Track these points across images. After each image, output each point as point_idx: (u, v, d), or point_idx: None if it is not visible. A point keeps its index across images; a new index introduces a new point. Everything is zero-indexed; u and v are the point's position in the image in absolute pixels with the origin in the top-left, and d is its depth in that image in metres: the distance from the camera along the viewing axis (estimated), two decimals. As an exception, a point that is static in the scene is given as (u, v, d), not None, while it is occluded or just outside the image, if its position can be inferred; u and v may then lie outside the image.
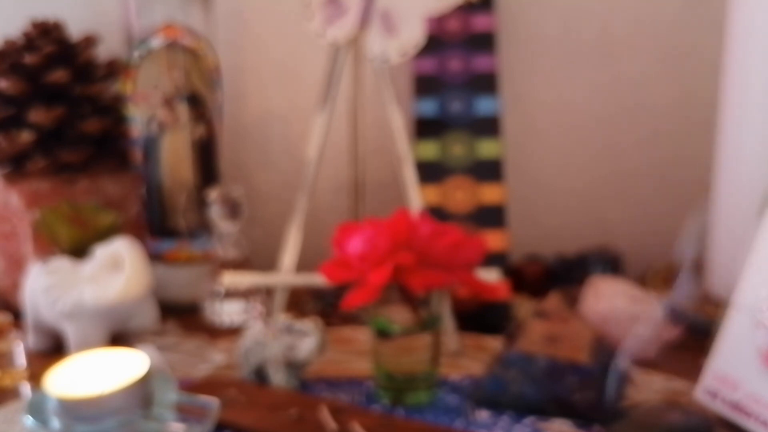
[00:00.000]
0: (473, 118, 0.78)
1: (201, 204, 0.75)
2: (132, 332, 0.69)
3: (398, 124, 0.69)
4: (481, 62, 0.78)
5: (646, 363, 0.64)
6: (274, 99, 0.87)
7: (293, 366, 0.61)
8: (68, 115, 0.75)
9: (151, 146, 0.77)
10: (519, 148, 0.85)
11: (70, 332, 0.65)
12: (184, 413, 0.52)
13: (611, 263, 0.79)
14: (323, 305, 0.76)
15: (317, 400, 0.59)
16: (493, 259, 0.71)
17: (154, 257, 0.77)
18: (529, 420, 0.57)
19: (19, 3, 0.81)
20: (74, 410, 0.47)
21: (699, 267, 0.69)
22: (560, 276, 0.80)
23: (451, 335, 0.67)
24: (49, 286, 0.65)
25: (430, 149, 0.78)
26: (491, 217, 0.77)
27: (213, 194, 0.73)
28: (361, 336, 0.70)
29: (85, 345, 0.64)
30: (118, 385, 0.48)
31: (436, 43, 0.77)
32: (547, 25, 0.83)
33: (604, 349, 0.59)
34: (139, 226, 0.77)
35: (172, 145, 0.77)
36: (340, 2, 0.67)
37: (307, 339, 0.62)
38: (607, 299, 0.66)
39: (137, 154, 0.77)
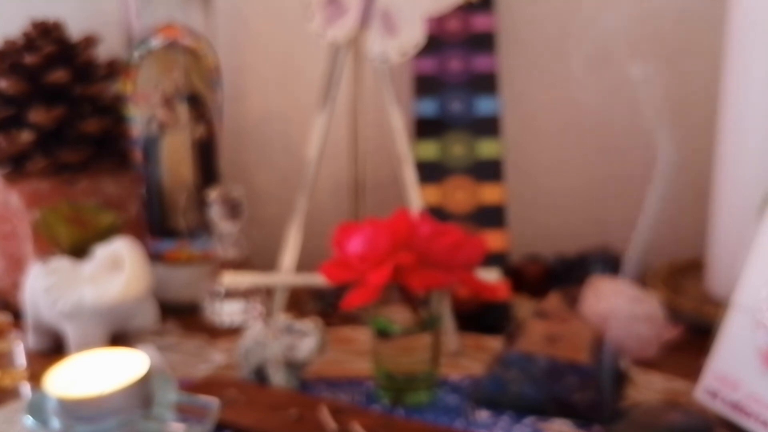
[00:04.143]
0: (473, 118, 0.78)
1: (201, 204, 0.75)
2: (132, 332, 0.69)
3: (398, 124, 0.69)
4: (481, 62, 0.78)
5: (646, 363, 0.64)
6: (274, 99, 0.87)
7: (293, 366, 0.61)
8: (68, 115, 0.75)
9: (151, 146, 0.77)
10: (519, 148, 0.85)
11: (70, 332, 0.65)
12: (184, 413, 0.52)
13: (611, 263, 0.79)
14: (323, 305, 0.76)
15: (317, 400, 0.59)
16: (493, 259, 0.71)
17: (154, 257, 0.77)
18: (529, 420, 0.57)
19: (19, 3, 0.81)
20: (74, 410, 0.47)
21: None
22: (560, 276, 0.80)
23: (451, 335, 0.67)
24: (49, 286, 0.65)
25: (430, 149, 0.78)
26: (491, 217, 0.77)
27: (213, 194, 0.73)
28: (361, 336, 0.70)
29: (85, 345, 0.64)
30: (118, 385, 0.48)
31: (436, 43, 0.77)
32: (547, 25, 0.83)
33: (604, 349, 0.59)
34: (139, 226, 0.77)
35: (172, 145, 0.77)
36: (340, 2, 0.67)
37: (307, 339, 0.62)
38: (607, 299, 0.66)
39: (137, 154, 0.77)
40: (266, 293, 0.75)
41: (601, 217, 0.88)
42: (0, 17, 0.81)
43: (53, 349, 0.67)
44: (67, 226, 0.68)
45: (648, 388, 0.61)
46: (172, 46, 0.74)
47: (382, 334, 0.60)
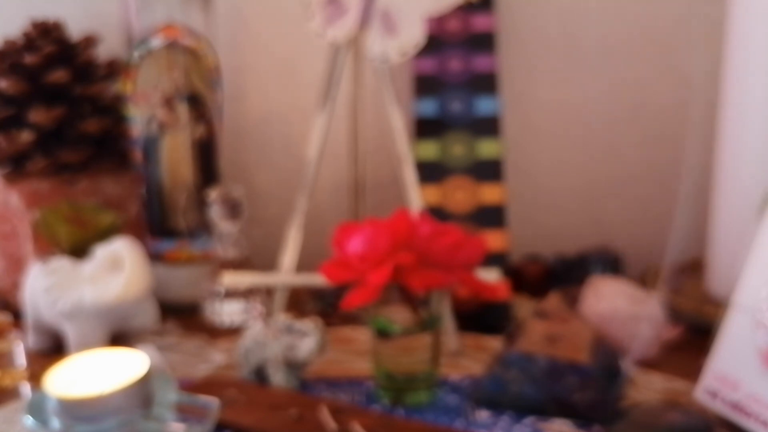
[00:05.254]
0: (473, 118, 0.78)
1: (201, 204, 0.75)
2: (132, 332, 0.69)
3: (398, 124, 0.69)
4: (481, 62, 0.78)
5: (646, 363, 0.64)
6: (274, 99, 0.87)
7: (293, 366, 0.61)
8: (68, 115, 0.75)
9: (151, 146, 0.77)
10: (519, 148, 0.85)
11: (70, 332, 0.65)
12: (184, 413, 0.52)
13: (611, 263, 0.79)
14: (323, 305, 0.76)
15: (317, 400, 0.59)
16: (493, 259, 0.71)
17: (154, 257, 0.77)
18: (529, 420, 0.57)
19: (19, 3, 0.81)
20: (74, 410, 0.47)
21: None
22: (560, 276, 0.80)
23: (451, 335, 0.67)
24: (49, 286, 0.65)
25: (430, 149, 0.78)
26: (491, 217, 0.77)
27: (213, 194, 0.73)
28: (361, 336, 0.70)
29: (85, 345, 0.64)
30: (118, 385, 0.48)
31: (436, 43, 0.77)
32: (547, 25, 0.83)
33: (604, 349, 0.59)
34: (139, 226, 0.77)
35: (172, 145, 0.77)
36: (340, 2, 0.67)
37: (307, 339, 0.62)
38: (607, 299, 0.66)
39: (137, 154, 0.77)
40: (266, 293, 0.75)
41: (601, 217, 0.88)
42: (0, 17, 0.81)
43: (53, 349, 0.67)
44: (67, 226, 0.68)
45: (648, 388, 0.61)
46: (172, 46, 0.74)
47: (382, 334, 0.60)
